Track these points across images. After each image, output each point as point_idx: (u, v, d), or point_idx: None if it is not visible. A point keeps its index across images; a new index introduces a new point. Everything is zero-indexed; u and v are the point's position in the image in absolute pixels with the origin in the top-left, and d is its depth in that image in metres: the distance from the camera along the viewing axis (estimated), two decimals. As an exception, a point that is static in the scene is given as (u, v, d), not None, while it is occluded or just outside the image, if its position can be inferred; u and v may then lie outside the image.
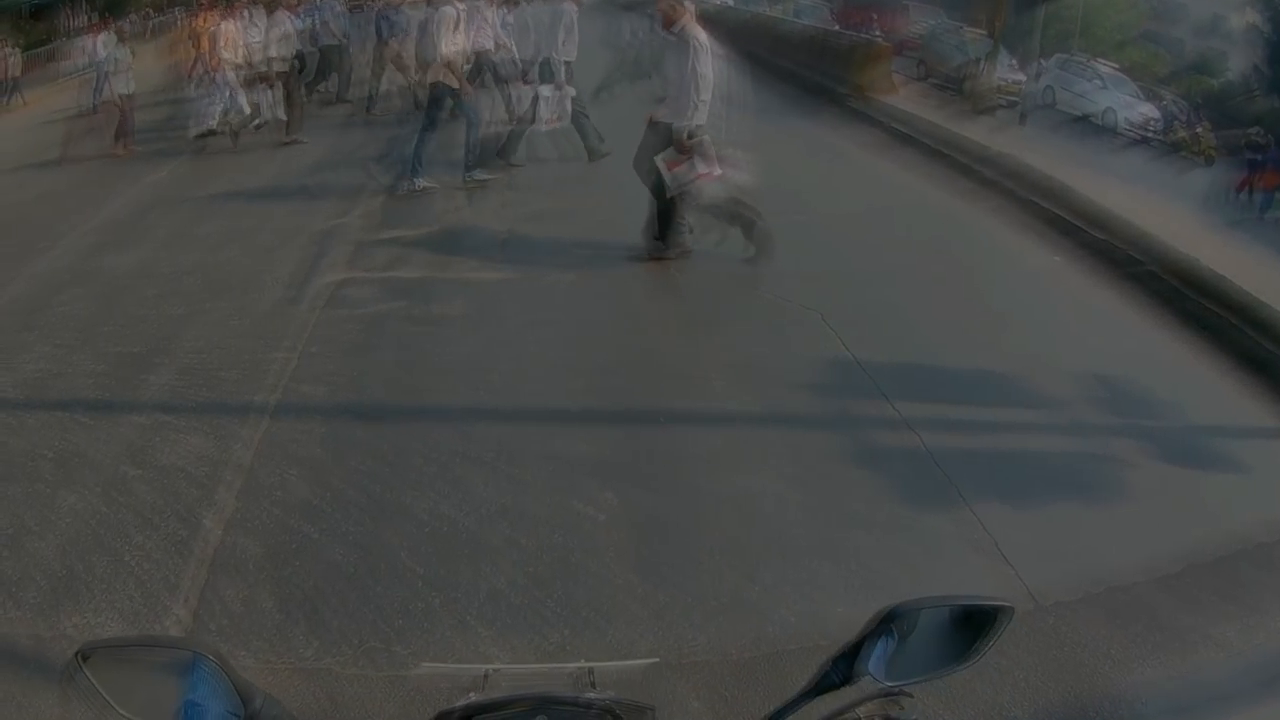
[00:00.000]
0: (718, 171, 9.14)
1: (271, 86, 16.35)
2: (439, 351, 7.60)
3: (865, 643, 1.67)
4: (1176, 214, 13.83)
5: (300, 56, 17.66)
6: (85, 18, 26.73)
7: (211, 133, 16.25)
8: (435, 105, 12.50)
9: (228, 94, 16.27)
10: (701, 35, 8.91)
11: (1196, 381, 7.84)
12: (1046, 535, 5.54)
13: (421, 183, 12.22)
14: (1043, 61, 23.20)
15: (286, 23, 17.08)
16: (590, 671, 1.81)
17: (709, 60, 8.83)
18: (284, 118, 16.28)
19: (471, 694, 1.66)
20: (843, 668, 1.68)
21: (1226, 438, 6.97)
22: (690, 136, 9.02)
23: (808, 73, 20.96)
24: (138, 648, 1.66)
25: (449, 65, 12.13)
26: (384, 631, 4.53)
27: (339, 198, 12.18)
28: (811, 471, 6.07)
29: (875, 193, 12.85)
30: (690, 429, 6.64)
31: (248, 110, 16.34)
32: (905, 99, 20.23)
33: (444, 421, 6.53)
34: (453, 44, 12.19)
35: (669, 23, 9.09)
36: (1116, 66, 26.61)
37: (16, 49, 21.90)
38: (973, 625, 1.71)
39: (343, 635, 4.50)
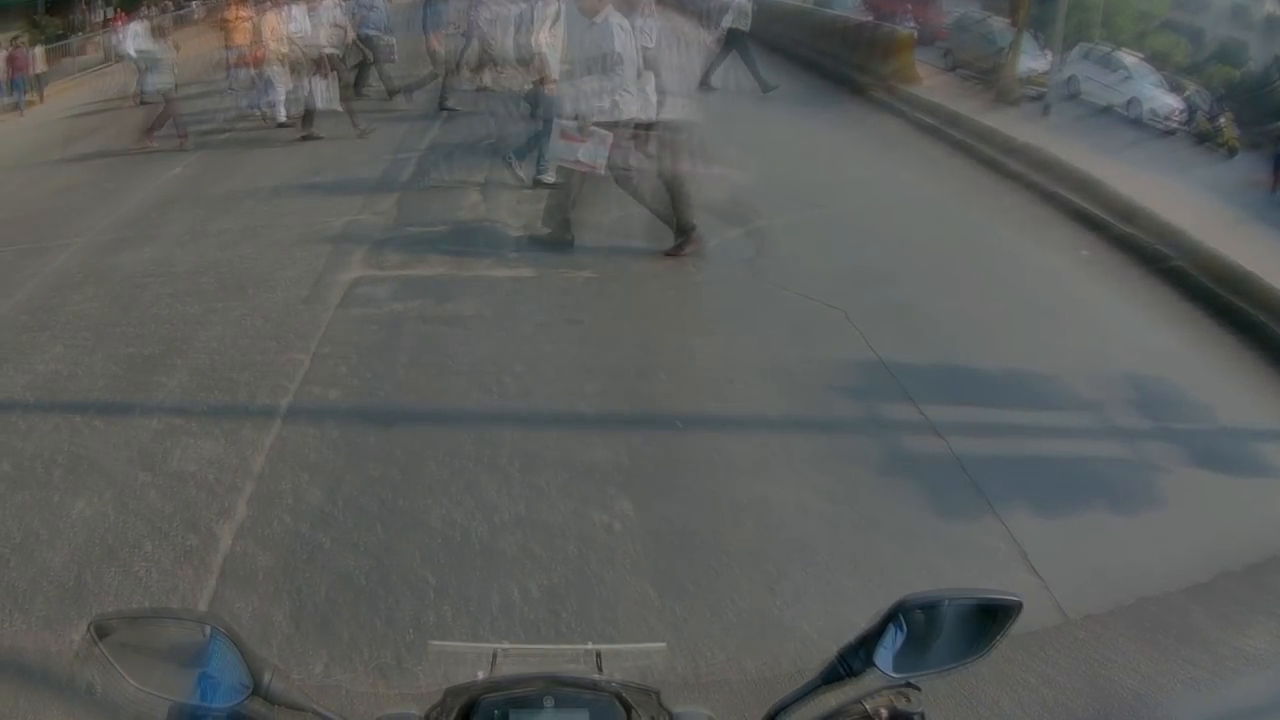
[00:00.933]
0: (601, 171, 9.11)
1: (326, 78, 15.85)
2: (454, 352, 7.50)
3: (874, 635, 1.67)
4: (1207, 209, 13.68)
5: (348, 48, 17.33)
6: (101, 13, 26.74)
7: (282, 125, 16.18)
8: (538, 102, 12.16)
9: (275, 86, 16.22)
10: (623, 22, 8.91)
11: (1230, 382, 7.75)
12: (1076, 543, 5.45)
13: (549, 176, 11.65)
14: (1066, 51, 22.93)
15: (334, 11, 16.77)
16: (598, 654, 1.81)
17: (630, 46, 8.84)
18: (340, 110, 15.82)
19: (480, 673, 1.70)
20: (851, 659, 1.69)
21: (1259, 441, 6.88)
22: (598, 122, 9.01)
23: (830, 62, 20.81)
24: (152, 621, 1.66)
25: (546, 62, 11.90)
26: (396, 645, 4.43)
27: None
28: (835, 478, 5.95)
29: (894, 186, 12.71)
30: (710, 433, 6.53)
31: (284, 100, 16.29)
32: (930, 89, 20.09)
33: (459, 425, 6.41)
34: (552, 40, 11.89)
35: (592, 11, 9.02)
36: (1140, 56, 26.42)
37: (40, 45, 21.89)
38: (983, 619, 1.70)
39: (354, 648, 4.40)
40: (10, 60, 20.17)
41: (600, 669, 1.77)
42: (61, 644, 4.40)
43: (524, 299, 8.58)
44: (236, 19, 17.96)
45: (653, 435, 6.37)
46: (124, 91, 18.79)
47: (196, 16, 28.54)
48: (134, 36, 18.99)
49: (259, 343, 7.56)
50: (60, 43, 23.56)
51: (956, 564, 5.12)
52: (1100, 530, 5.61)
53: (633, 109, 9.09)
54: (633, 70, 8.98)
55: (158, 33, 17.82)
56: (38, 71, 20.50)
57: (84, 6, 26.45)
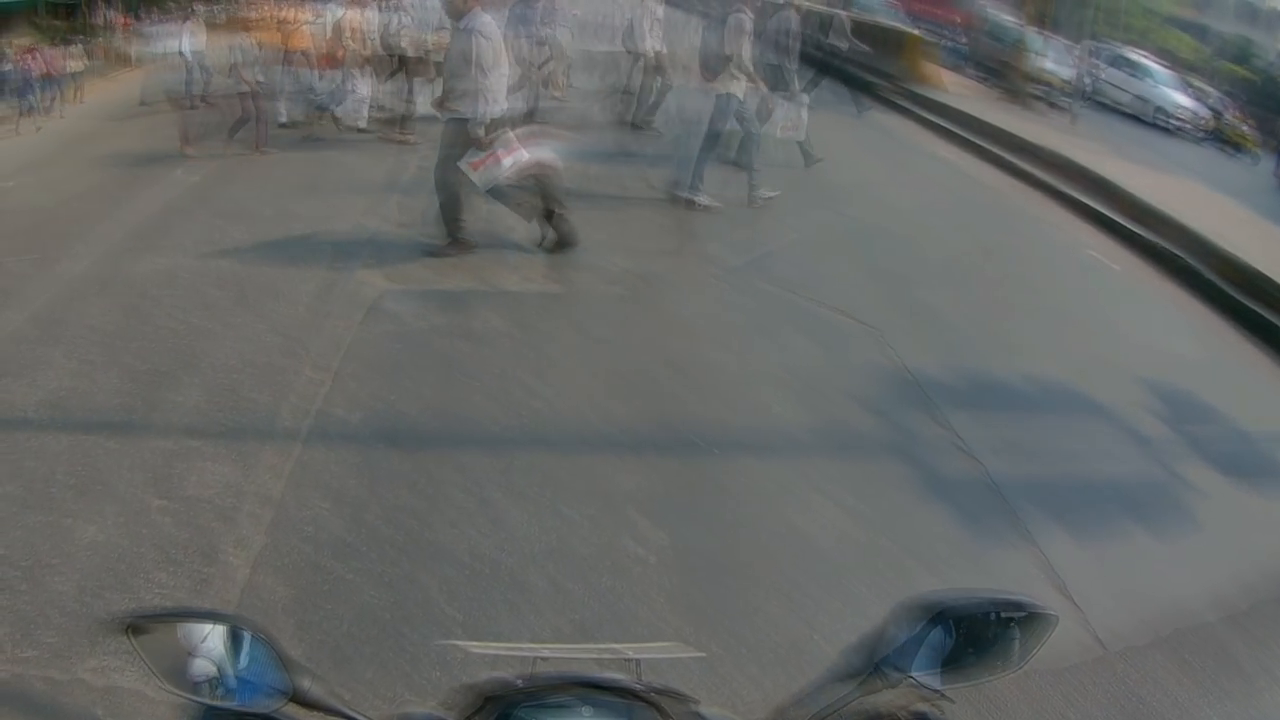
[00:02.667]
0: (525, 156, 9.05)
1: (431, 81, 14.77)
2: (480, 372, 7.29)
3: (911, 641, 1.69)
4: (1235, 212, 13.68)
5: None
6: (102, 15, 26.57)
7: (362, 130, 15.45)
8: (720, 117, 11.79)
9: (355, 89, 15.64)
10: (490, 25, 8.86)
11: (1273, 399, 7.65)
12: (1114, 571, 5.44)
13: (703, 200, 11.67)
14: (1082, 50, 22.94)
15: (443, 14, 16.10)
16: (637, 661, 1.90)
17: (499, 50, 8.78)
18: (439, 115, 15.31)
19: (518, 678, 1.70)
20: (888, 667, 1.70)
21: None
22: (487, 131, 8.92)
23: (850, 65, 20.71)
24: (187, 622, 1.67)
25: (747, 75, 11.68)
26: (419, 684, 4.23)
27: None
28: (871, 505, 5.83)
29: (913, 190, 12.62)
30: (745, 457, 6.36)
31: (366, 102, 15.68)
32: (951, 92, 20.06)
33: (485, 451, 6.21)
34: (746, 51, 11.62)
35: (457, 14, 8.97)
36: (1153, 56, 26.61)
37: (78, 46, 21.65)
38: (1017, 630, 1.73)
39: (374, 688, 4.19)
40: (40, 59, 19.69)
41: (639, 676, 1.83)
42: (71, 677, 4.21)
43: (551, 315, 8.40)
44: (295, 18, 17.34)
45: (687, 460, 6.22)
46: (171, 92, 18.51)
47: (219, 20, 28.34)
48: (190, 34, 18.79)
49: (279, 360, 7.35)
50: (64, 46, 23.32)
51: (998, 595, 4.96)
52: (1138, 556, 5.62)
53: (504, 109, 9.05)
54: (500, 74, 8.90)
55: (247, 26, 17.29)
56: (72, 70, 19.97)
57: (85, 9, 26.31)
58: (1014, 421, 7.02)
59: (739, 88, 11.56)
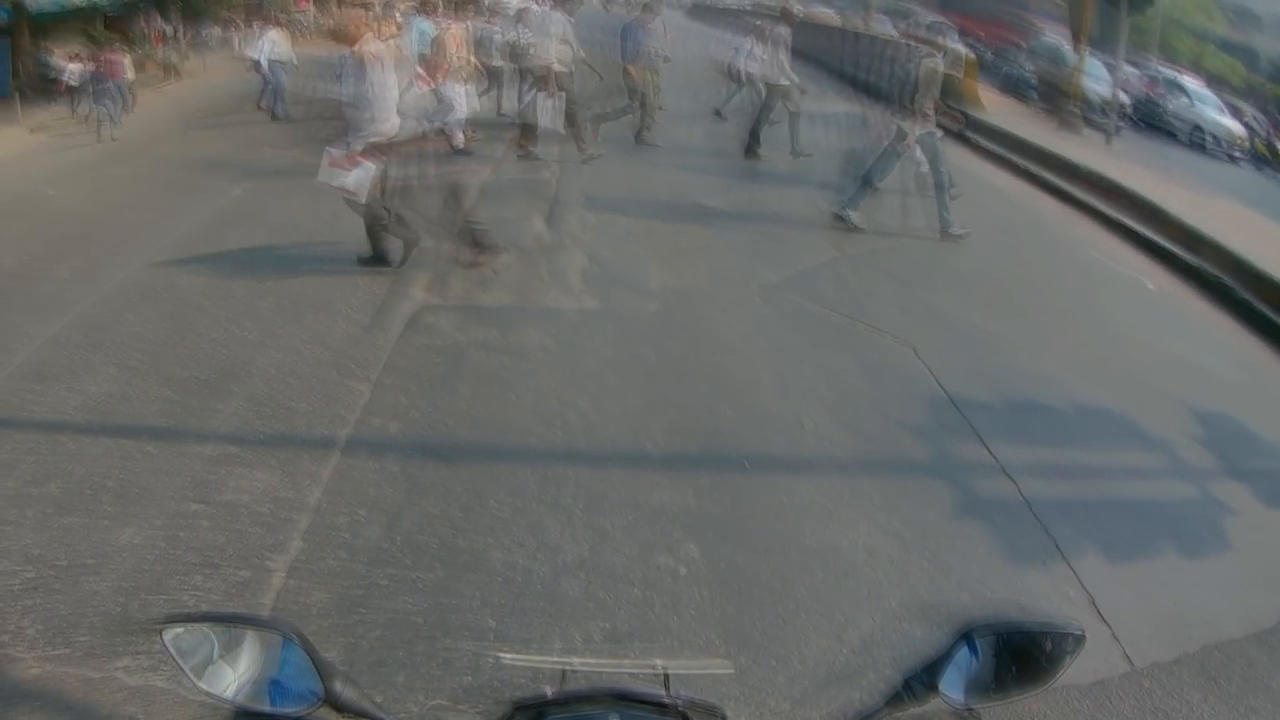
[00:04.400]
0: (362, 198, 9.27)
1: (553, 96, 14.77)
2: (517, 385, 7.35)
3: (940, 660, 1.72)
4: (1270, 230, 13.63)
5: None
6: (160, 26, 26.77)
7: (459, 151, 14.32)
8: (938, 156, 12.01)
9: (456, 106, 14.41)
10: (381, 51, 9.13)
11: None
12: (1143, 588, 5.44)
13: (954, 231, 11.84)
14: (1124, 72, 22.79)
15: (565, 26, 15.46)
16: (665, 674, 1.88)
17: (388, 77, 9.01)
18: (563, 132, 15.00)
19: (548, 688, 1.75)
20: (915, 685, 1.73)
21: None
22: (375, 147, 9.16)
23: (886, 85, 20.70)
24: (221, 625, 1.70)
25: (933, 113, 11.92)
26: (452, 689, 4.26)
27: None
28: (904, 522, 5.80)
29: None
30: (778, 474, 6.35)
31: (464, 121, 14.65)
32: (992, 113, 20.00)
33: (521, 463, 6.25)
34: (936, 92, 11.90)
35: (351, 41, 9.19)
36: (1197, 78, 26.45)
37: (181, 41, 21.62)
38: (1045, 649, 1.75)
39: (408, 692, 4.23)
40: (105, 63, 19.45)
41: (667, 689, 1.81)
42: (105, 675, 4.27)
43: (589, 331, 8.42)
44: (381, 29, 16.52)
45: (720, 475, 6.22)
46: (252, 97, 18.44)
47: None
48: (271, 43, 18.64)
49: (319, 370, 7.44)
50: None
51: (1026, 613, 4.96)
52: (1168, 574, 5.61)
53: (391, 128, 9.25)
54: (388, 98, 9.13)
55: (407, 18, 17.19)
56: (129, 79, 19.70)
57: (142, 20, 26.51)
58: (1048, 440, 6.99)
59: (932, 124, 11.91)
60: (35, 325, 8.13)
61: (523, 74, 16.14)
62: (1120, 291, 10.80)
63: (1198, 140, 24.41)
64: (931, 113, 11.82)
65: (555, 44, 15.12)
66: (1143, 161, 18.20)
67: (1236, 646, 4.96)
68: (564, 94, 14.94)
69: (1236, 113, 25.56)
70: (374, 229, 9.51)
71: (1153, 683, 4.63)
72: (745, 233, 11.78)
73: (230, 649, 1.65)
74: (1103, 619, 5.04)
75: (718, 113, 18.68)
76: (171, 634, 1.63)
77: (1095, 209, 13.80)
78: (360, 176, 9.10)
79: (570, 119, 15.09)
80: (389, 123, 9.09)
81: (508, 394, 7.21)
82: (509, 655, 4.13)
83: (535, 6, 16.35)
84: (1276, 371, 9.01)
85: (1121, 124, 21.62)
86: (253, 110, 19.25)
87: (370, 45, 9.05)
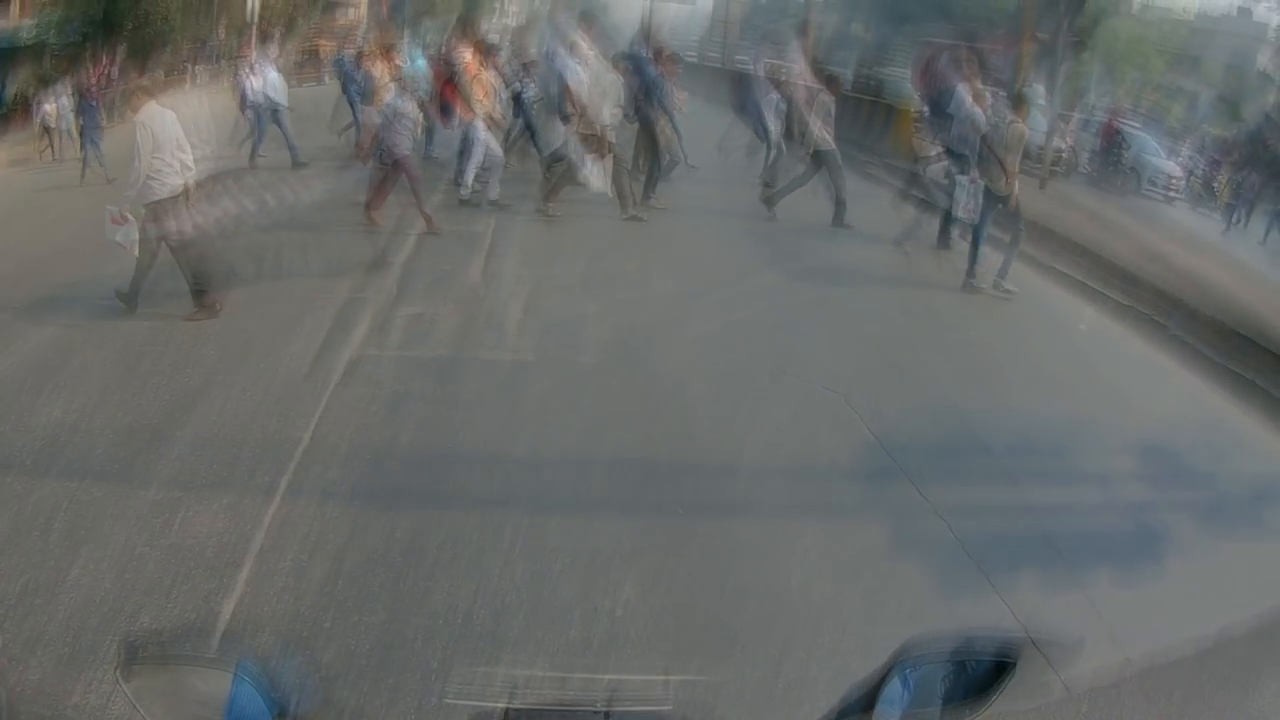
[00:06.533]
0: (133, 252, 9.76)
1: (603, 158, 13.64)
2: (455, 434, 7.45)
3: (874, 687, 1.74)
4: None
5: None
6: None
7: (463, 201, 14.07)
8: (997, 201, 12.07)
9: (472, 152, 14.08)
10: (153, 118, 9.59)
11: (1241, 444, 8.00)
12: (1076, 618, 5.60)
13: (1007, 286, 11.93)
14: (1059, 116, 23.09)
15: (619, 82, 14.49)
16: (606, 713, 1.81)
17: (152, 141, 9.46)
18: (609, 192, 13.83)
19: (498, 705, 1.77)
20: (852, 713, 1.76)
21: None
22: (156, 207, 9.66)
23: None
24: (177, 662, 1.75)
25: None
26: (396, 729, 4.37)
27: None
28: (838, 562, 5.98)
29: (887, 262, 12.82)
30: (713, 517, 6.49)
31: (475, 169, 14.09)
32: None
33: (461, 507, 6.34)
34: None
35: (134, 108, 9.91)
36: (1137, 122, 26.73)
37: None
38: (982, 673, 1.78)
39: (353, 732, 4.33)
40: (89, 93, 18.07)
41: (611, 702, 1.80)
42: (55, 713, 4.36)
43: (525, 382, 8.46)
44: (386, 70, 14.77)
45: (657, 520, 6.36)
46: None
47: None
48: (274, 80, 16.30)
49: (261, 418, 7.48)
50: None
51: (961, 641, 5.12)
52: (1102, 600, 5.78)
53: (168, 189, 9.67)
54: (158, 162, 9.56)
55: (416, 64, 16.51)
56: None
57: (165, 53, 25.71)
58: (978, 478, 7.25)
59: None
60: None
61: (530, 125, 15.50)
62: (1054, 326, 11.14)
63: (1133, 182, 24.74)
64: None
65: (609, 107, 14.19)
66: (1074, 204, 18.46)
67: (1176, 668, 5.16)
68: (612, 156, 13.99)
69: (1174, 154, 25.96)
70: (138, 277, 9.84)
71: (1090, 707, 4.80)
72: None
73: (186, 685, 1.68)
74: (1036, 646, 5.17)
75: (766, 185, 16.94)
76: (124, 669, 1.67)
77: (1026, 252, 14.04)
78: (128, 232, 9.67)
79: (617, 179, 14.11)
80: (160, 184, 9.58)
81: (446, 441, 7.33)
82: (452, 694, 4.21)
83: (583, 55, 14.56)
84: (1209, 399, 9.28)
85: (1056, 168, 21.87)
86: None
87: (143, 114, 9.61)
